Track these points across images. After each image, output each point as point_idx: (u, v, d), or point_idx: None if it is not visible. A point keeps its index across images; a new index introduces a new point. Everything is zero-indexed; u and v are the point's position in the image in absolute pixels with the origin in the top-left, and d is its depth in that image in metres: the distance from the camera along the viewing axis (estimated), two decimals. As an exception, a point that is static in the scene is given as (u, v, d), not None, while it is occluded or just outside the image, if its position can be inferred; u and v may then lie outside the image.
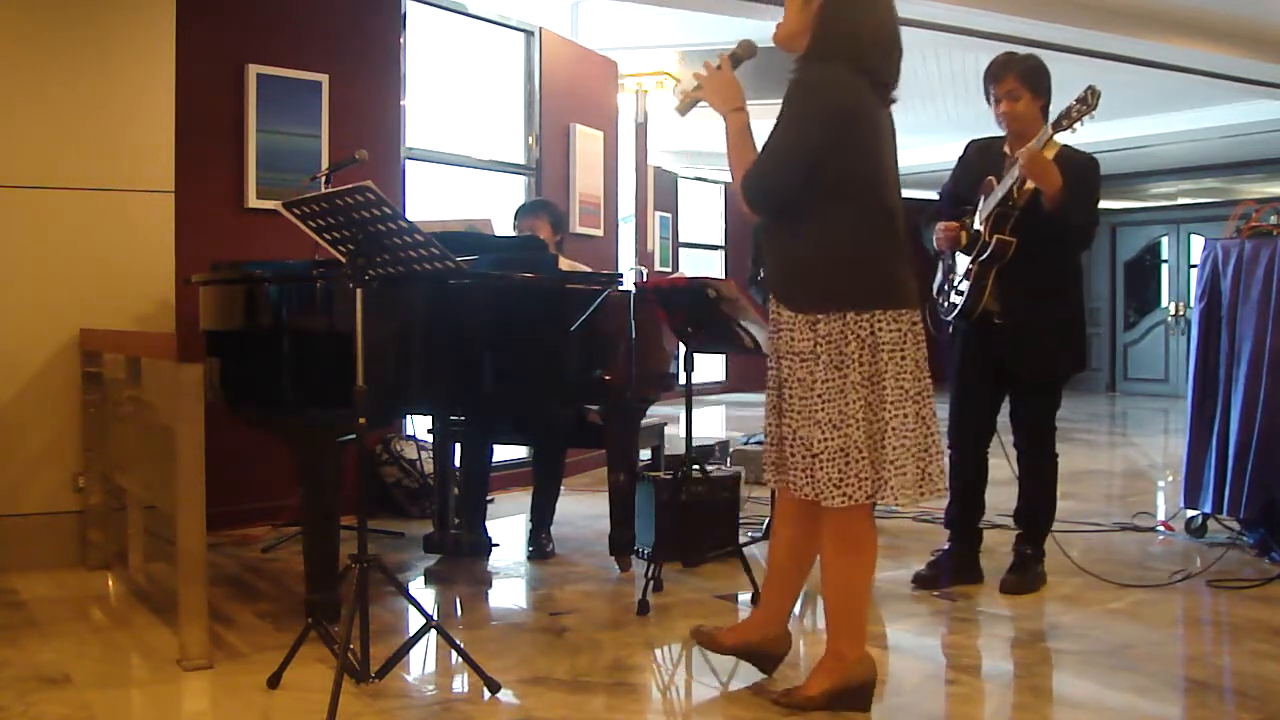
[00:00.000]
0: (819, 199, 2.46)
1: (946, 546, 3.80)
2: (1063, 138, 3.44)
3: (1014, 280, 3.49)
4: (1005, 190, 3.47)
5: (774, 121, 2.50)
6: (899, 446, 2.44)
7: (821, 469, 2.44)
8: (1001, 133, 3.63)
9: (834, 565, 2.57)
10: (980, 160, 3.67)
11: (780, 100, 2.48)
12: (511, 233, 4.49)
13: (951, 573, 3.71)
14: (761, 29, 7.03)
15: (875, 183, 2.51)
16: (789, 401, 2.51)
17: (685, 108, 2.73)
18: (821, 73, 2.48)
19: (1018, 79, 3.50)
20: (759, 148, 2.54)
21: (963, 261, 3.61)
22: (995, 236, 3.48)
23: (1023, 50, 3.72)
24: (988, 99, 3.59)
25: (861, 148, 2.48)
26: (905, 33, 2.58)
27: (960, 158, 3.80)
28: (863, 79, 2.48)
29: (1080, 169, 3.49)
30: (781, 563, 2.75)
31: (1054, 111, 3.48)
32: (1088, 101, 3.30)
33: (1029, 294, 3.50)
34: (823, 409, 2.44)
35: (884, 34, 2.53)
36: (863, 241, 2.48)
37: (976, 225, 3.57)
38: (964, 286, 3.56)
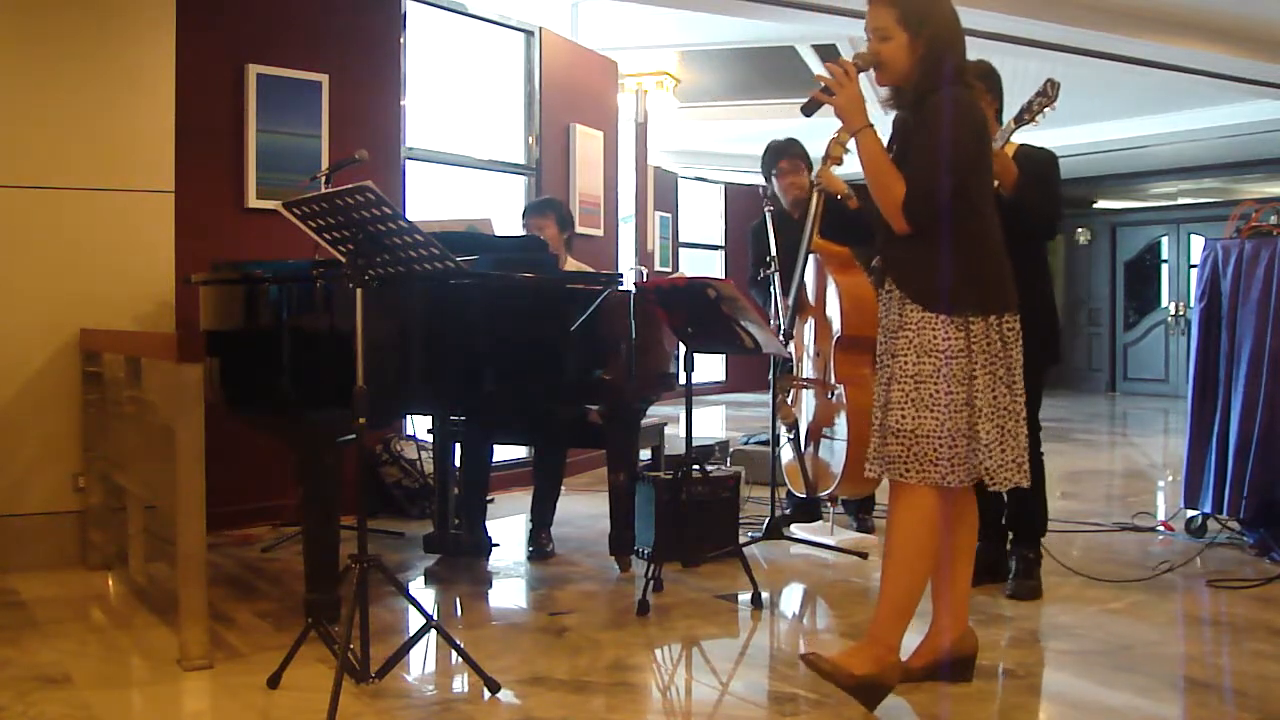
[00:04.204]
0: (960, 210, 2.57)
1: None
2: (1028, 133, 3.47)
3: None
4: None
5: (900, 142, 2.68)
6: (1023, 434, 2.63)
7: (985, 458, 2.55)
8: None
9: (905, 553, 2.59)
10: None
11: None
12: (515, 232, 4.50)
13: (980, 572, 3.69)
14: (761, 29, 7.06)
15: (991, 195, 2.70)
16: (924, 397, 2.55)
17: (811, 109, 2.74)
18: (955, 95, 2.58)
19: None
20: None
21: None
22: None
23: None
24: None
25: (988, 163, 2.69)
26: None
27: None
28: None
29: (1039, 164, 3.55)
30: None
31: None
32: (1047, 94, 3.34)
33: None
34: (978, 402, 2.54)
35: (963, 38, 2.67)
36: (994, 249, 2.65)
37: None
38: None
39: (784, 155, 4.62)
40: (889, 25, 2.60)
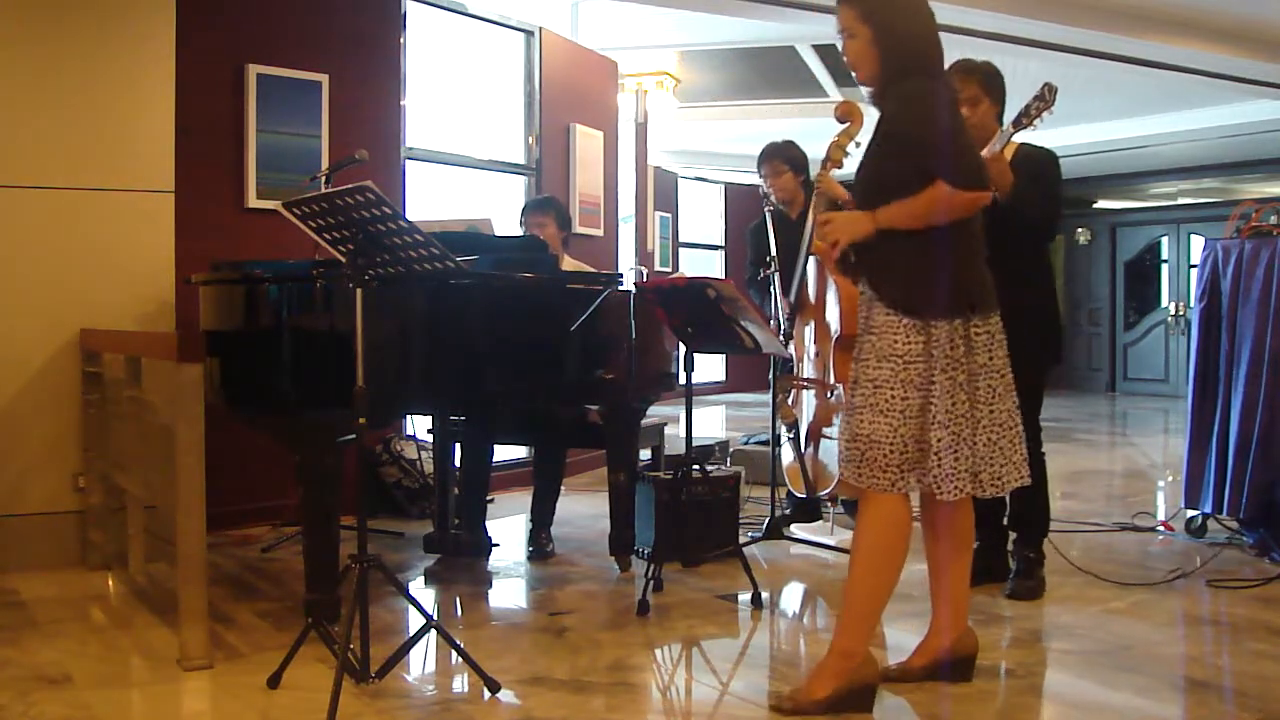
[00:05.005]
0: None
1: (974, 546, 3.78)
2: (1029, 133, 3.47)
3: None
4: None
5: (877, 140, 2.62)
6: (989, 441, 2.56)
7: (933, 463, 2.50)
8: None
9: (866, 561, 2.58)
10: None
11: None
12: (515, 231, 4.50)
13: (981, 572, 3.70)
14: (761, 29, 7.06)
15: None
16: (880, 402, 2.51)
17: (842, 263, 2.75)
18: (916, 85, 2.54)
19: (980, 85, 3.55)
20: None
21: None
22: None
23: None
24: None
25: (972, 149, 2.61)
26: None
27: None
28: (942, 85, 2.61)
29: (1038, 163, 3.55)
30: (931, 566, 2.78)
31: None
32: (1045, 98, 3.34)
33: (1001, 291, 3.50)
34: (932, 409, 2.50)
35: (936, 34, 2.63)
36: (967, 250, 2.58)
37: None
38: None
39: (762, 161, 4.66)
40: (852, 24, 2.60)
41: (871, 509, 2.57)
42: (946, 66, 3.57)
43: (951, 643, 2.74)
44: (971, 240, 2.60)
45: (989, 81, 3.56)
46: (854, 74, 2.67)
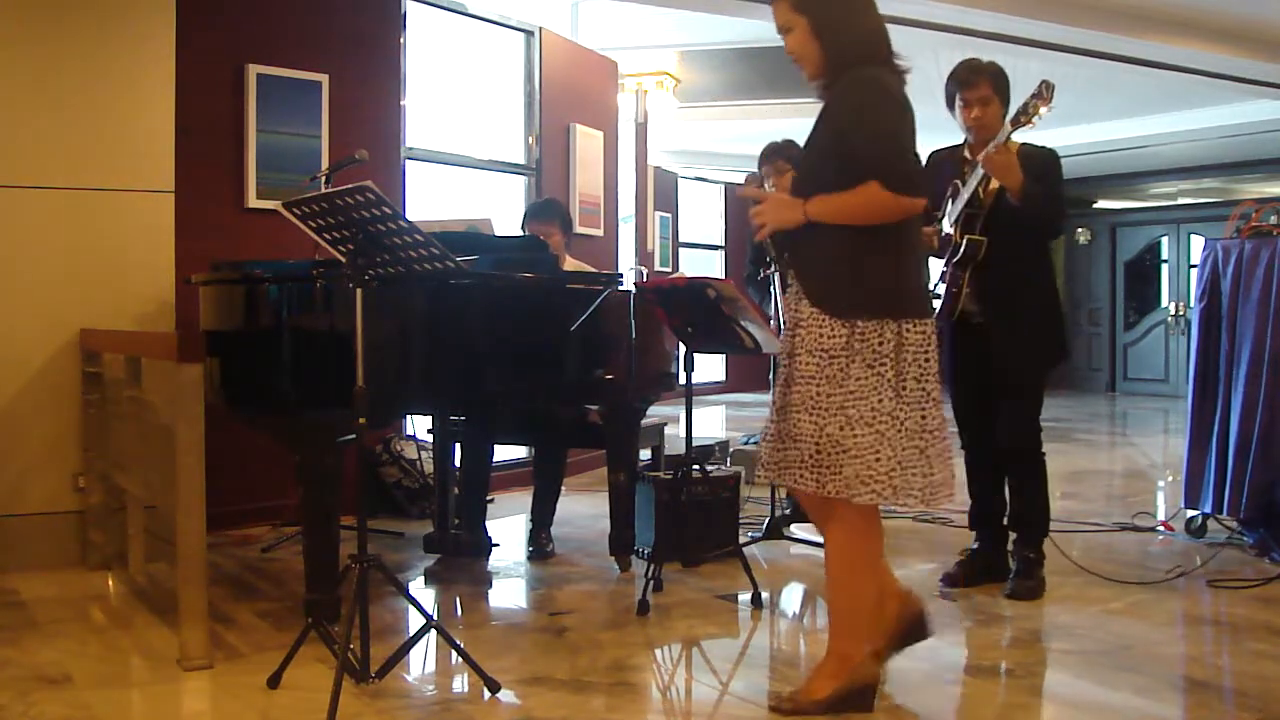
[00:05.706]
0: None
1: (975, 546, 3.80)
2: (1029, 132, 3.47)
3: (988, 279, 3.54)
4: (970, 193, 3.53)
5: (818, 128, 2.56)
6: (915, 449, 2.47)
7: (850, 465, 2.42)
8: (958, 140, 3.68)
9: (840, 564, 2.57)
10: (943, 168, 3.71)
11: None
12: (515, 232, 4.50)
13: (981, 572, 3.71)
14: (761, 29, 7.05)
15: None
16: (807, 399, 2.46)
17: (766, 238, 2.72)
18: (872, 72, 2.47)
19: (991, 85, 3.56)
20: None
21: (936, 265, 3.65)
22: (965, 238, 3.55)
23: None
24: (950, 105, 3.61)
25: (912, 153, 2.53)
26: (906, 32, 2.60)
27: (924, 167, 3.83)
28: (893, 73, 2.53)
29: (1041, 163, 3.55)
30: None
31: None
32: (1043, 95, 3.33)
33: (1003, 291, 3.53)
34: (854, 406, 2.43)
35: (878, 16, 2.56)
36: (903, 251, 2.51)
37: (946, 229, 3.61)
38: (940, 289, 3.61)
39: (763, 161, 4.68)
40: (787, 17, 2.53)
41: (835, 520, 2.53)
42: (951, 68, 3.61)
43: (899, 608, 2.68)
44: (904, 243, 2.52)
45: (998, 81, 3.57)
46: (802, 70, 2.60)
